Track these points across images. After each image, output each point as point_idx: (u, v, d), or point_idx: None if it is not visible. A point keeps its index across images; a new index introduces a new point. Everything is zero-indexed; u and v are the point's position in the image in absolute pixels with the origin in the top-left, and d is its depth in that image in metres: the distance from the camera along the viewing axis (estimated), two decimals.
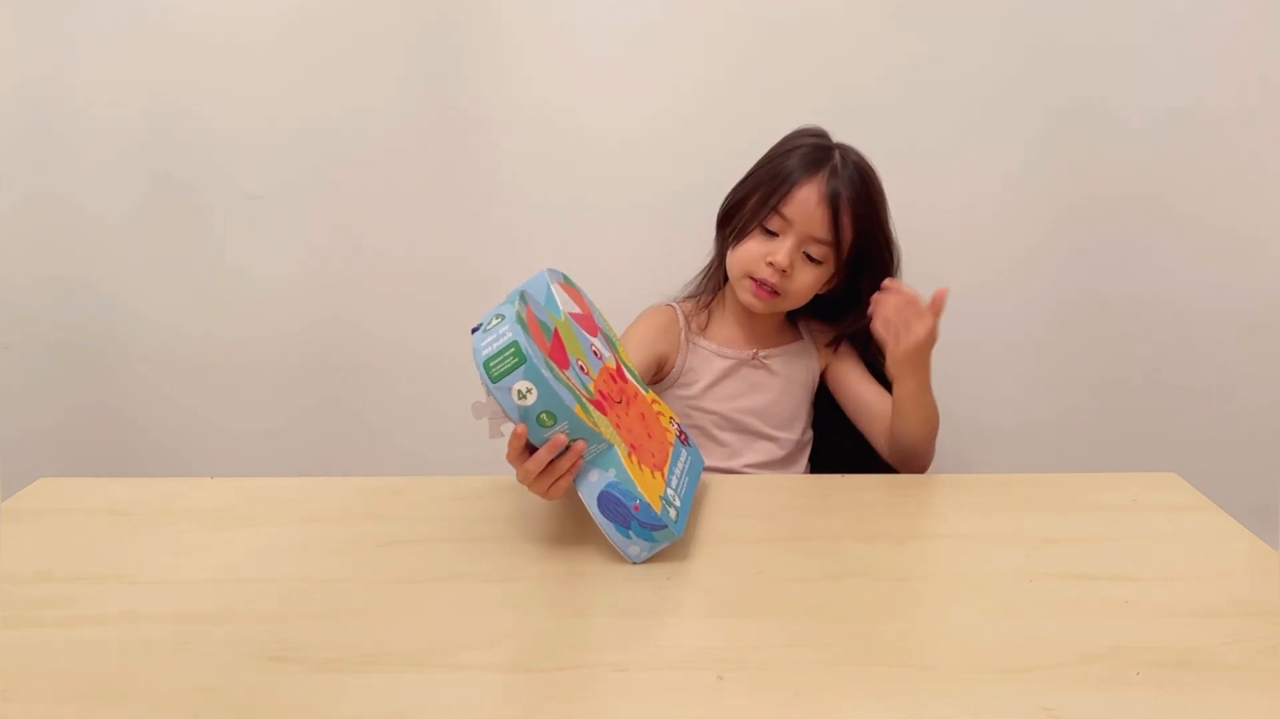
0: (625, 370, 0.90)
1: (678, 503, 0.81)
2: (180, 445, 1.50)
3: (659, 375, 1.12)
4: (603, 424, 0.78)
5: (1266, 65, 1.28)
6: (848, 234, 1.03)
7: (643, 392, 0.90)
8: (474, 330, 0.75)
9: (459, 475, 0.96)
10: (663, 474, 0.83)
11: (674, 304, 1.16)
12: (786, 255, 1.02)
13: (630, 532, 0.77)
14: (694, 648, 0.65)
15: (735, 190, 1.10)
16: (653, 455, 0.83)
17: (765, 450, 1.12)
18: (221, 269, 1.43)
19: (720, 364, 1.11)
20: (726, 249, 1.09)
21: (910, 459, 1.04)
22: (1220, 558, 0.78)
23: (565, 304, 0.85)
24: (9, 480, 0.98)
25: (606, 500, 0.77)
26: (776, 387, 1.12)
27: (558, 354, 0.77)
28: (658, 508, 0.77)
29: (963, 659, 0.64)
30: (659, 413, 0.91)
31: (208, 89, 1.36)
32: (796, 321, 1.17)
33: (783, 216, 1.03)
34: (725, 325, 1.14)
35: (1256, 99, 1.29)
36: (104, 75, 1.36)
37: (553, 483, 0.77)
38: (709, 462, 1.10)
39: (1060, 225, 1.35)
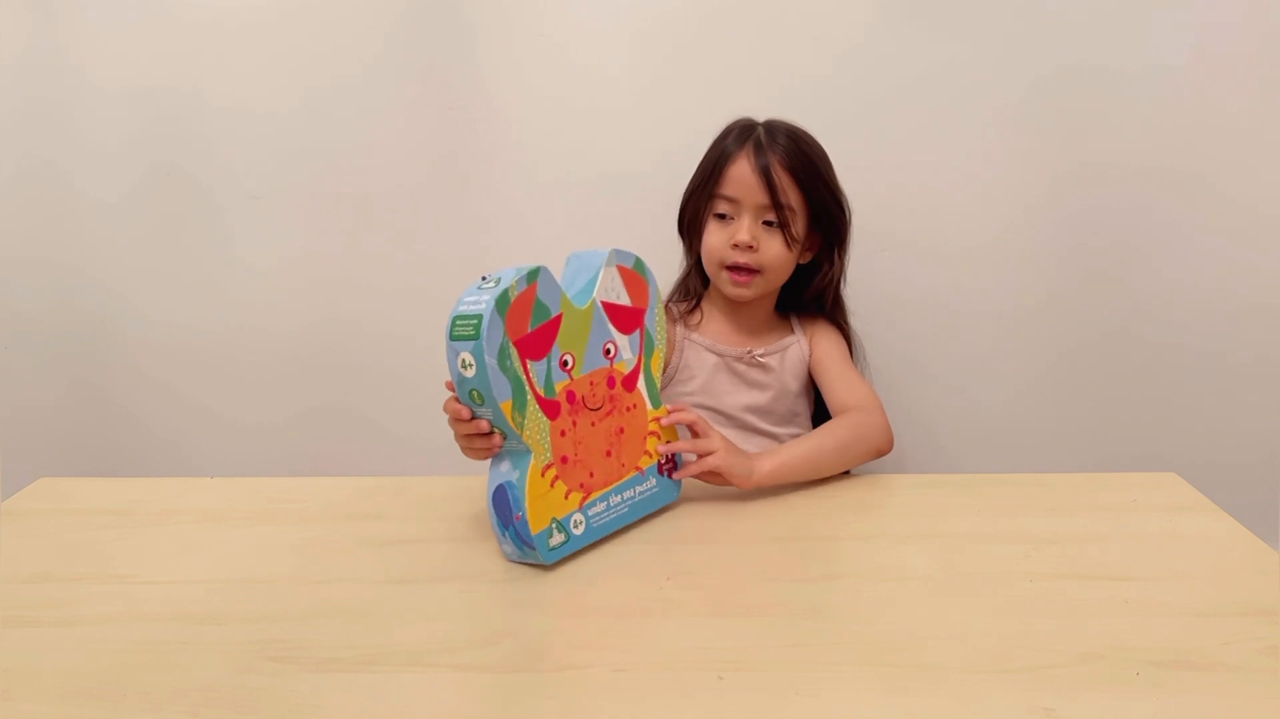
0: (642, 380, 0.86)
1: (578, 531, 0.80)
2: (180, 441, 1.50)
3: None
4: (532, 427, 0.77)
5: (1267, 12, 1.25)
6: (791, 195, 1.04)
7: (649, 407, 0.87)
8: (482, 279, 0.76)
9: (459, 475, 0.96)
10: (586, 496, 0.81)
11: (667, 303, 1.16)
12: (748, 231, 1.05)
13: (507, 533, 0.77)
14: (694, 648, 0.65)
15: (684, 193, 1.13)
16: (589, 476, 0.81)
17: (768, 448, 1.11)
18: (223, 262, 1.43)
19: (713, 360, 1.12)
20: (698, 253, 1.12)
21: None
22: (1220, 558, 0.78)
23: (608, 292, 0.82)
24: (9, 480, 0.98)
25: (500, 495, 0.77)
26: (774, 385, 1.12)
27: (534, 343, 0.76)
28: (536, 528, 0.76)
29: (963, 659, 0.64)
30: (653, 434, 0.87)
31: (210, 81, 1.37)
32: (789, 316, 1.17)
33: (727, 199, 1.06)
34: (716, 322, 1.14)
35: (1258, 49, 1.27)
36: (106, 64, 1.36)
37: (471, 449, 0.81)
38: None
39: (1057, 221, 1.34)
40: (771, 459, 0.93)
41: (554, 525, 0.78)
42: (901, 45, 1.30)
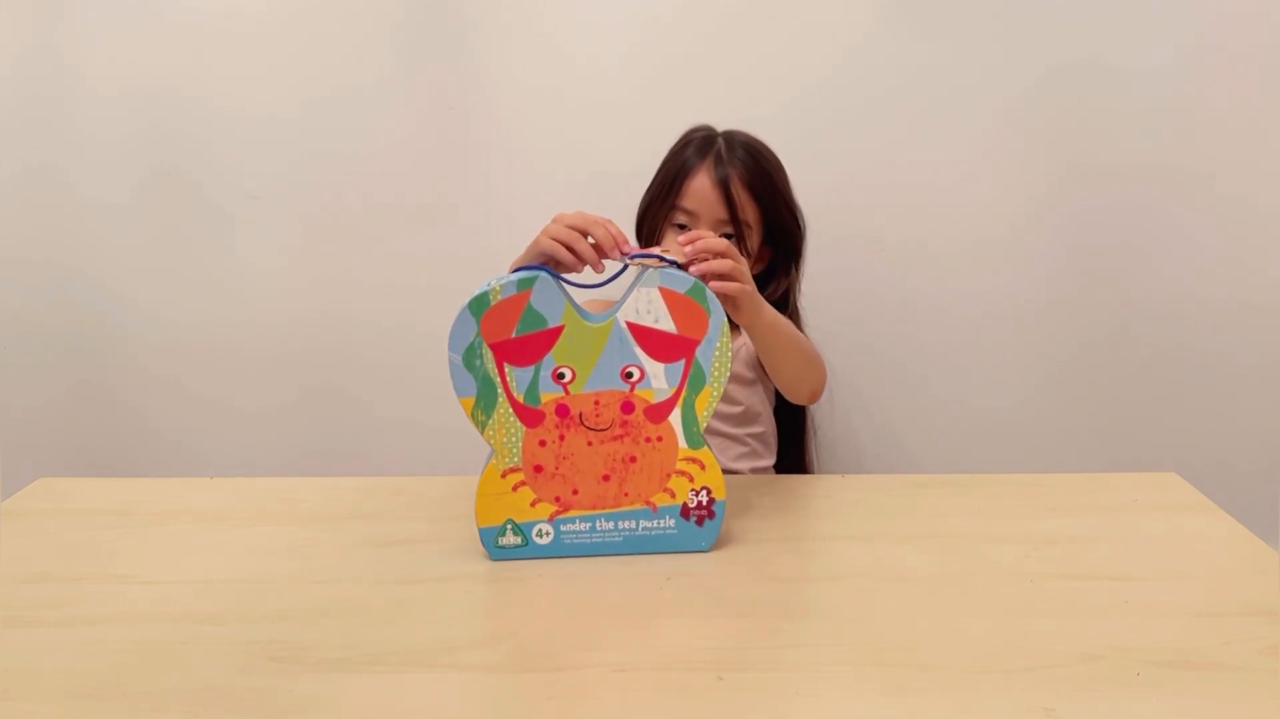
0: (678, 414, 0.79)
1: (541, 541, 0.79)
2: (180, 440, 1.49)
3: None
4: (498, 429, 0.77)
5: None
6: (749, 211, 1.06)
7: (682, 444, 0.79)
8: (513, 269, 0.77)
9: (459, 475, 0.96)
10: (562, 511, 0.79)
11: None
12: None
13: None
14: (694, 648, 0.66)
15: (642, 203, 1.13)
16: (571, 492, 0.79)
17: (732, 449, 1.11)
18: (224, 262, 1.43)
19: None
20: None
21: (794, 390, 1.01)
22: (1220, 558, 0.78)
23: (640, 314, 0.76)
24: (9, 480, 0.98)
25: None
26: (739, 391, 1.11)
27: (518, 349, 0.75)
28: (484, 522, 0.78)
29: (963, 659, 0.64)
30: (681, 473, 0.80)
31: (208, 78, 1.36)
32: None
33: (685, 210, 1.07)
34: None
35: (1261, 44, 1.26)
36: (107, 65, 1.36)
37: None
38: None
39: (1058, 222, 1.34)
40: (769, 309, 0.90)
41: (509, 527, 0.79)
42: (901, 46, 1.30)
